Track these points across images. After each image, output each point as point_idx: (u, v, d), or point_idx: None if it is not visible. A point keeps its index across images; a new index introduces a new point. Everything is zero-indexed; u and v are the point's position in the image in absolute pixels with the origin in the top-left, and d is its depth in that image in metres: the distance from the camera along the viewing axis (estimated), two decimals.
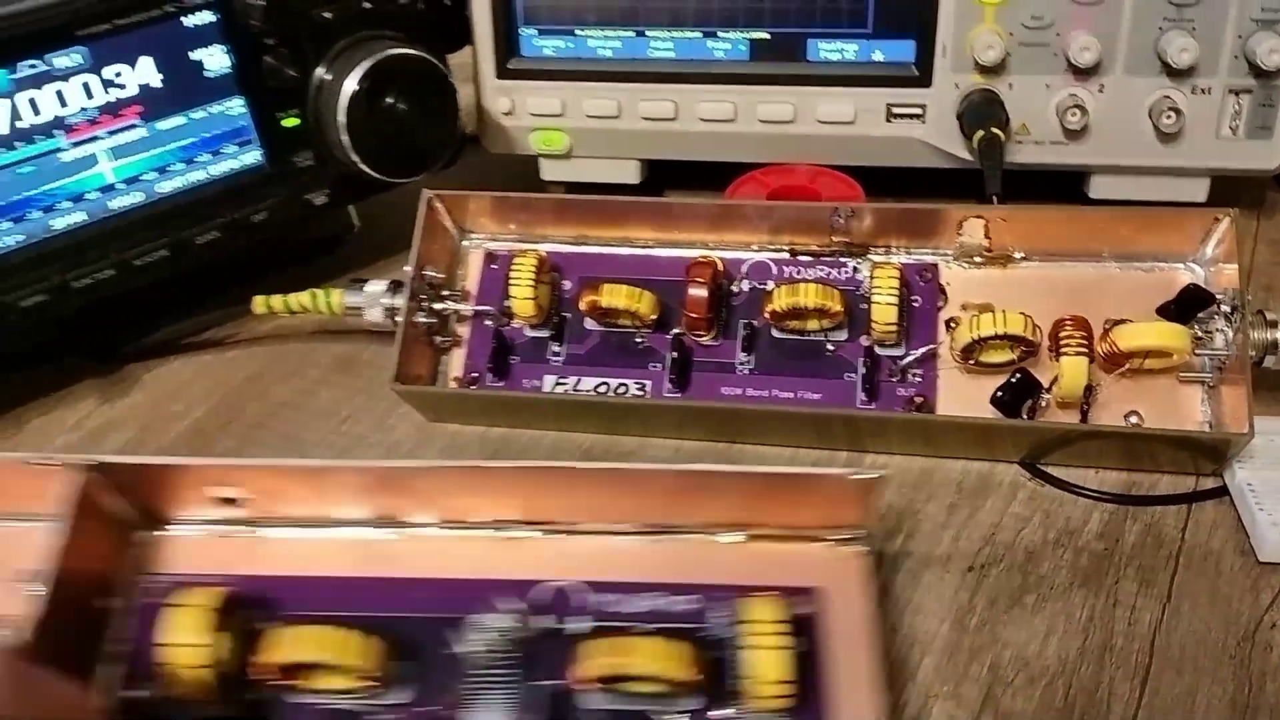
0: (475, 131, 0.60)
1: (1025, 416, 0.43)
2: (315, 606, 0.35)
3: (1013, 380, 0.42)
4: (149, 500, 0.37)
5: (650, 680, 0.32)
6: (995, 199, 0.48)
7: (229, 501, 0.37)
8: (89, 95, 0.46)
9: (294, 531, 0.38)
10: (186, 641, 0.32)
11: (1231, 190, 0.54)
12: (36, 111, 0.45)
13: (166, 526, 0.38)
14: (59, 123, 0.46)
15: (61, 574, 0.33)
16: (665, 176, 0.61)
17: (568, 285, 0.49)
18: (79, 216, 0.47)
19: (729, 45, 0.54)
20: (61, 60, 0.45)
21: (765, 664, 0.32)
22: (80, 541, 0.34)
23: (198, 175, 0.50)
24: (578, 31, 0.55)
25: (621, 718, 0.33)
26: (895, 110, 0.53)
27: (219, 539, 0.38)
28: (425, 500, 0.37)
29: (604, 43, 0.55)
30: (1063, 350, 0.42)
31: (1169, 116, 0.50)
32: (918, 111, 0.53)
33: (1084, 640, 0.38)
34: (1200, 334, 0.42)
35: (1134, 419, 0.43)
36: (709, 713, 0.33)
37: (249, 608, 0.34)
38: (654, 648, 0.32)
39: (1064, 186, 0.55)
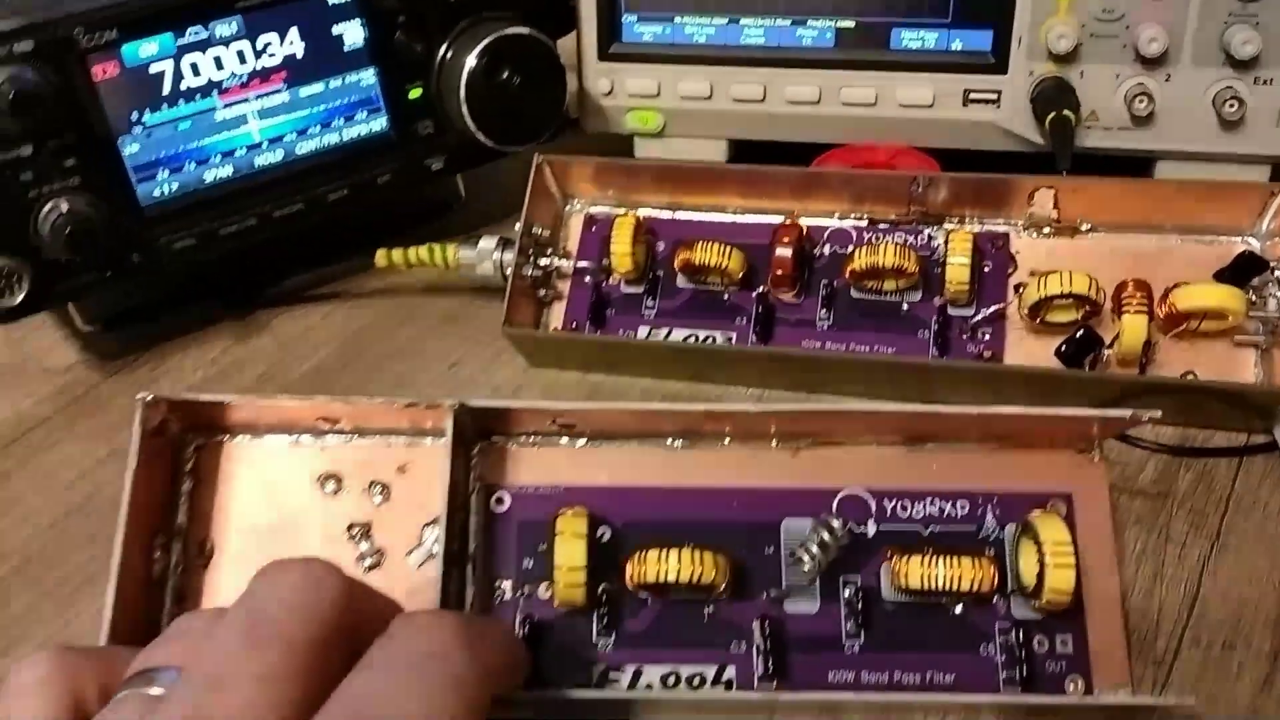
0: (576, 115, 0.65)
1: (1087, 370, 0.46)
2: (643, 515, 0.38)
3: (1076, 335, 0.46)
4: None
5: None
6: (1065, 173, 0.51)
7: (565, 427, 0.39)
8: (242, 61, 0.52)
9: (615, 446, 0.39)
10: (573, 564, 0.35)
11: None
12: (196, 74, 0.51)
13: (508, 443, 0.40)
14: (215, 85, 0.51)
15: (450, 493, 0.37)
16: (752, 157, 0.64)
17: (661, 247, 0.53)
18: (227, 170, 0.53)
19: (816, 32, 0.58)
20: (221, 28, 0.51)
21: (1059, 579, 0.35)
22: (454, 464, 0.38)
23: (332, 138, 0.55)
24: (675, 18, 0.60)
25: (920, 609, 0.36)
26: (972, 95, 0.57)
27: (553, 451, 0.40)
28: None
29: (699, 29, 0.60)
30: (1124, 309, 0.45)
31: (1232, 105, 0.53)
32: (993, 97, 0.56)
33: (1136, 570, 0.41)
34: (1254, 299, 0.45)
35: (1190, 378, 0.46)
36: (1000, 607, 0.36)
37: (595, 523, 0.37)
38: (955, 563, 0.35)
39: (1131, 172, 0.58)
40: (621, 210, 0.54)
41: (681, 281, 0.52)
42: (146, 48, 0.49)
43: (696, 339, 0.51)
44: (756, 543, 0.37)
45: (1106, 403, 0.46)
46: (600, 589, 0.36)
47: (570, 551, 0.35)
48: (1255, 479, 0.44)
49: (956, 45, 0.57)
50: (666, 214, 0.54)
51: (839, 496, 0.38)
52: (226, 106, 0.52)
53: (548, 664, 0.36)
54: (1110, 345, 0.46)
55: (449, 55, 0.55)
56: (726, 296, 0.52)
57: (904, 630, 0.36)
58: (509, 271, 0.52)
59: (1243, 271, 0.45)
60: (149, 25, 0.49)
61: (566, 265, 0.54)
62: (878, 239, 0.51)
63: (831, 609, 0.37)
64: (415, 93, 0.56)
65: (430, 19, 0.55)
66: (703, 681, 0.36)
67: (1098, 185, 0.48)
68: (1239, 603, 0.39)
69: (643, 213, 0.54)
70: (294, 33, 0.52)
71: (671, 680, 0.36)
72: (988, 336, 0.49)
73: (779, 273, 0.50)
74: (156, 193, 0.51)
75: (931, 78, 0.57)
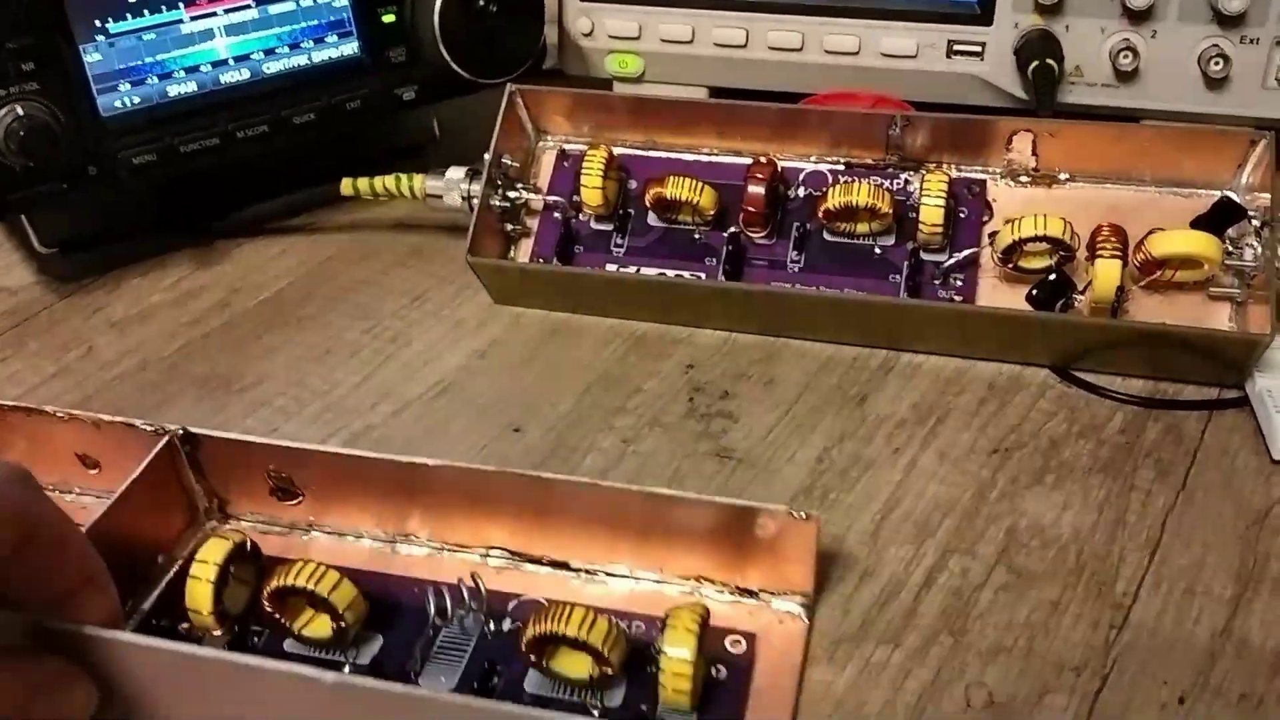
0: (555, 65, 0.64)
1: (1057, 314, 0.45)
2: None
3: (1048, 278, 0.45)
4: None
5: (579, 649, 0.33)
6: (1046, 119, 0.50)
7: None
8: None
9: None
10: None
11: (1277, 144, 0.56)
12: None
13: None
14: None
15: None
16: None
17: (634, 185, 0.52)
18: (191, 86, 0.52)
19: None
20: None
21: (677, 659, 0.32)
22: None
23: (300, 60, 0.54)
24: None
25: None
26: (956, 46, 0.56)
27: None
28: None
29: None
30: (1098, 253, 0.44)
31: (1217, 63, 0.52)
32: (977, 49, 0.56)
33: (1098, 515, 0.40)
34: (1231, 249, 0.44)
35: None
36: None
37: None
38: (588, 617, 0.33)
39: None
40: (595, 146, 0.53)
41: (653, 220, 0.51)
42: None
43: (666, 277, 0.50)
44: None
45: (1075, 353, 0.45)
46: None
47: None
48: (1224, 433, 0.43)
49: None
50: (641, 152, 0.53)
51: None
52: (193, 20, 0.51)
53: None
54: (1082, 291, 0.45)
55: None
56: (698, 236, 0.51)
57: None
58: (476, 202, 0.51)
59: (1220, 219, 0.44)
60: None
61: (536, 200, 0.53)
62: (853, 180, 0.50)
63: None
64: (388, 18, 0.55)
65: None
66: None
67: (1076, 129, 0.47)
68: (1201, 549, 0.38)
69: (618, 151, 0.52)
70: None
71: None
72: (960, 282, 0.48)
73: (750, 210, 0.49)
74: (118, 104, 0.50)
75: (916, 27, 0.56)
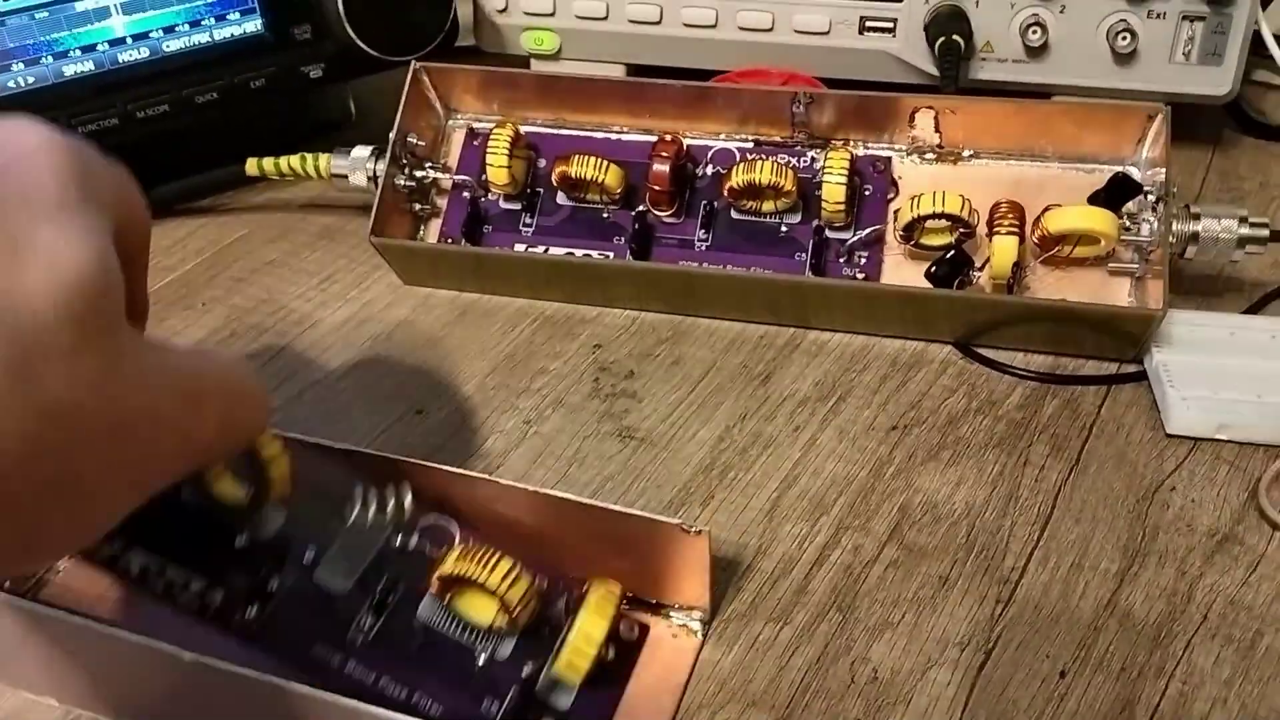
0: (471, 42, 0.63)
1: (955, 291, 0.45)
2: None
3: (946, 255, 0.45)
4: None
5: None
6: (950, 95, 0.50)
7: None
8: None
9: None
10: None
11: (1189, 124, 0.57)
12: None
13: None
14: None
15: None
16: None
17: (543, 164, 0.52)
18: (88, 65, 0.51)
19: None
20: None
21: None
22: None
23: (201, 37, 0.53)
24: None
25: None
26: (868, 23, 0.56)
27: None
28: None
29: None
30: (995, 230, 0.44)
31: (1124, 38, 0.52)
32: (889, 25, 0.55)
33: (991, 491, 0.40)
34: (1128, 225, 0.44)
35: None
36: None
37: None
38: (512, 572, 0.32)
39: None
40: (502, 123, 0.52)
41: (561, 199, 0.51)
42: None
43: (574, 257, 0.50)
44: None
45: (977, 330, 0.46)
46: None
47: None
48: (1121, 407, 0.44)
49: None
50: (550, 130, 0.52)
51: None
52: None
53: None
54: (981, 268, 0.45)
55: None
56: (606, 215, 0.50)
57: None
58: (381, 182, 0.50)
59: (1116, 194, 0.44)
60: None
61: (445, 179, 0.52)
62: (758, 158, 0.49)
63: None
64: None
65: None
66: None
67: (976, 105, 0.47)
68: (1091, 524, 0.39)
69: (527, 129, 0.52)
70: None
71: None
72: (864, 260, 0.48)
73: (656, 188, 0.48)
74: (11, 84, 0.49)
75: (828, 4, 0.56)
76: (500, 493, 0.36)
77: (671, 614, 0.36)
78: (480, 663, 0.33)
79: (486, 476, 0.36)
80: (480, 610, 0.33)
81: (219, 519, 0.34)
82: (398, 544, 0.35)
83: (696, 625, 0.36)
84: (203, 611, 0.33)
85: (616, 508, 0.35)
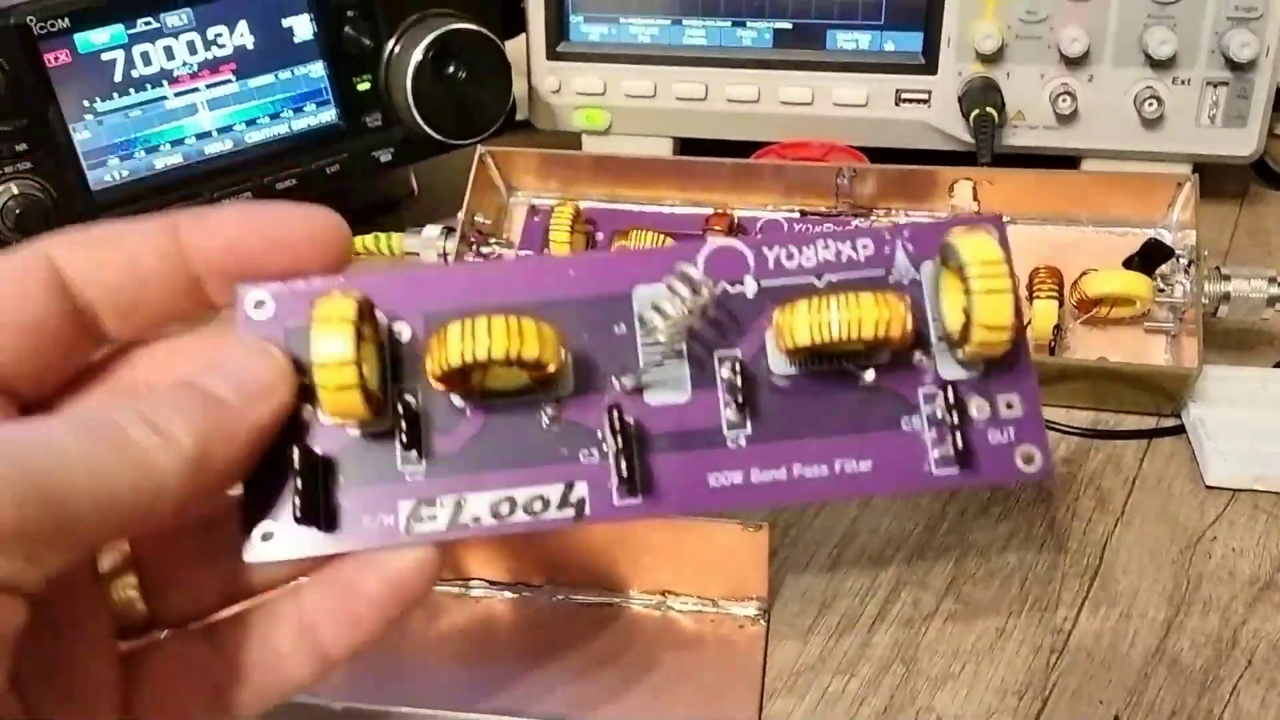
0: (526, 116, 0.66)
1: None
2: (450, 302, 0.27)
3: None
4: None
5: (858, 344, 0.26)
6: (985, 166, 0.53)
7: None
8: (192, 52, 0.53)
9: None
10: (338, 359, 0.25)
11: (1217, 180, 0.59)
12: (148, 63, 0.52)
13: None
14: (166, 74, 0.53)
15: None
16: (695, 154, 0.66)
17: (600, 237, 0.55)
18: (177, 158, 0.54)
19: (755, 34, 0.60)
20: (171, 19, 0.52)
21: (991, 309, 0.25)
22: None
23: (281, 129, 0.56)
24: (621, 19, 0.62)
25: (820, 381, 0.27)
26: (904, 95, 0.59)
27: None
28: None
29: (643, 29, 0.61)
30: (1035, 294, 0.47)
31: (1151, 105, 0.55)
32: (924, 96, 0.58)
33: (1041, 545, 0.43)
34: (1163, 286, 0.47)
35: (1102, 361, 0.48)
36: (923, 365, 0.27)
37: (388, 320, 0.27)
38: (852, 303, 0.25)
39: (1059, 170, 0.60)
40: (562, 202, 0.55)
41: None
42: (98, 36, 0.51)
43: None
44: (602, 320, 0.27)
45: None
46: (401, 399, 0.26)
47: (331, 341, 0.25)
48: (1162, 461, 0.46)
49: (889, 46, 0.59)
50: (606, 205, 0.56)
51: (705, 251, 0.27)
52: (177, 95, 0.53)
53: (346, 505, 0.26)
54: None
55: (397, 49, 0.57)
56: None
57: (802, 411, 0.27)
58: (450, 259, 0.54)
59: (1150, 258, 0.46)
60: (101, 15, 0.51)
61: (509, 254, 0.55)
62: (805, 229, 0.52)
63: (707, 395, 0.27)
64: (364, 85, 0.57)
65: (379, 13, 0.56)
66: (545, 505, 0.26)
67: (1013, 176, 0.50)
68: (1138, 574, 0.41)
69: (584, 204, 0.55)
70: (243, 25, 0.54)
71: (505, 508, 0.26)
72: None
73: None
74: (107, 178, 0.53)
75: (865, 78, 0.59)
76: None
77: (732, 608, 0.40)
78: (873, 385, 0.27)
79: None
80: (836, 322, 0.26)
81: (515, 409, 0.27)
82: (684, 292, 0.27)
83: (755, 613, 0.40)
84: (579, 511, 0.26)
85: (680, 520, 0.38)
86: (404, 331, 0.27)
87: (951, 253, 0.26)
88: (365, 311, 0.26)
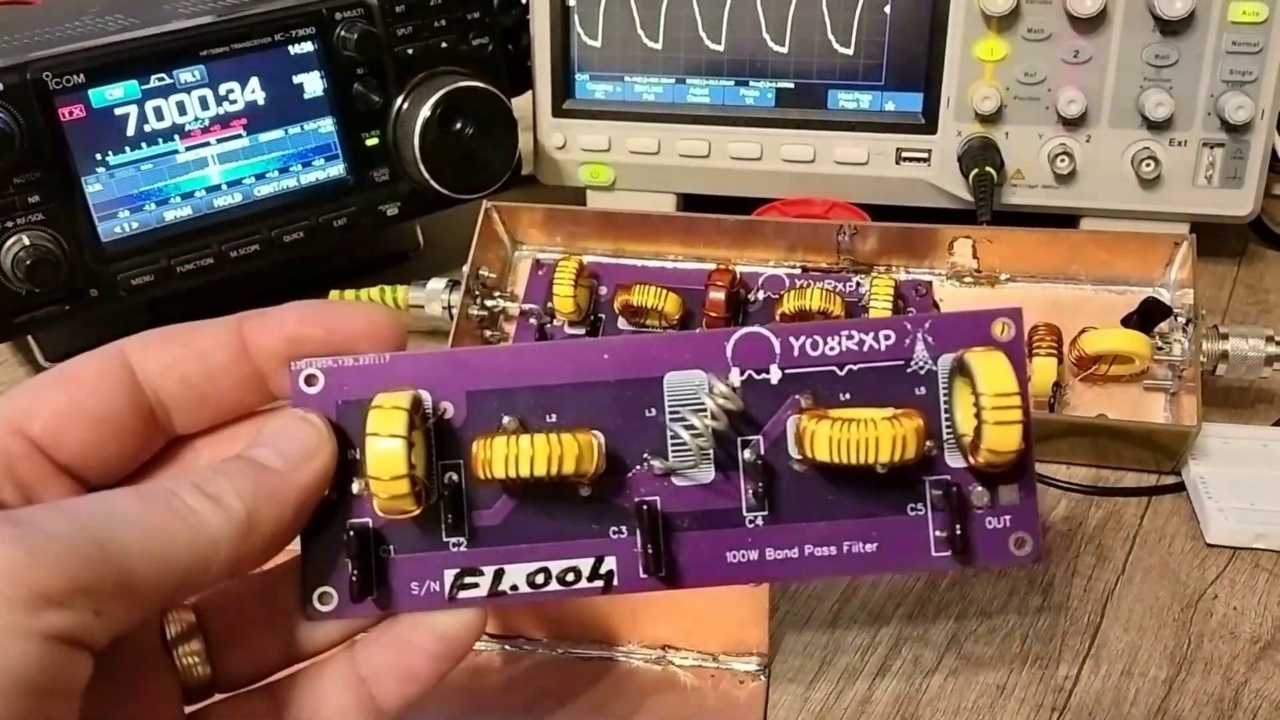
0: (531, 171, 0.67)
1: None
2: (492, 383, 0.29)
3: None
4: None
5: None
6: (984, 224, 0.54)
7: None
8: (204, 107, 0.54)
9: None
10: (392, 471, 0.27)
11: (1215, 239, 0.60)
12: (160, 118, 0.53)
13: None
14: (177, 129, 0.54)
15: None
16: (698, 210, 0.67)
17: (604, 291, 0.55)
18: (187, 211, 0.55)
19: (758, 93, 0.61)
20: (185, 75, 0.53)
21: (999, 438, 0.27)
22: None
23: (290, 182, 0.57)
24: (626, 78, 0.63)
25: (836, 470, 0.29)
26: (904, 154, 0.60)
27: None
28: None
29: (648, 88, 0.63)
30: (1034, 352, 0.47)
31: (1149, 165, 0.56)
32: (924, 155, 0.59)
33: (1043, 600, 0.42)
34: (1160, 344, 0.47)
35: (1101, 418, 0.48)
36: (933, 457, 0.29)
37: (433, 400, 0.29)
38: (869, 428, 0.27)
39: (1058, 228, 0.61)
40: (567, 256, 0.56)
41: (622, 324, 0.54)
42: (112, 92, 0.52)
43: None
44: (634, 404, 0.29)
45: None
46: (445, 478, 0.29)
47: (385, 453, 0.27)
48: (1162, 518, 0.46)
49: (890, 106, 0.60)
50: (610, 260, 0.56)
51: (734, 338, 0.29)
52: (188, 150, 0.54)
53: (397, 572, 0.29)
54: None
55: (405, 106, 0.58)
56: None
57: (816, 495, 0.29)
58: (455, 311, 0.54)
59: (1148, 317, 0.47)
60: (115, 71, 0.52)
61: (512, 307, 0.56)
62: (807, 285, 0.53)
63: (728, 479, 0.29)
64: (372, 141, 0.58)
65: (388, 71, 0.57)
66: (577, 576, 0.29)
67: (1011, 234, 0.50)
68: (1139, 632, 0.41)
69: (587, 259, 0.56)
70: (255, 81, 0.55)
71: (541, 579, 0.29)
72: None
73: (712, 315, 0.52)
74: (117, 230, 0.53)
75: (866, 137, 0.60)
76: None
77: (733, 663, 0.39)
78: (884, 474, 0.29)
79: None
80: (854, 444, 0.28)
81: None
82: (713, 406, 0.29)
83: (755, 668, 0.39)
84: (608, 583, 0.29)
85: None
86: (449, 410, 0.29)
87: (966, 370, 0.28)
88: (415, 406, 0.28)
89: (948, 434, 0.29)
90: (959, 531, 0.29)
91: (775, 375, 0.29)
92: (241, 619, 0.28)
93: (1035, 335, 0.48)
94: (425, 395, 0.28)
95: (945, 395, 0.29)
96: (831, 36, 0.59)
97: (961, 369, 0.28)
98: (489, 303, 0.55)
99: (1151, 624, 0.41)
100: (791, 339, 0.29)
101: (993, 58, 0.57)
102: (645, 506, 0.29)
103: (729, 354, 0.29)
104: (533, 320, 0.55)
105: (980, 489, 0.29)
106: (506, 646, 0.41)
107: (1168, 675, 0.39)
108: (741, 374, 0.29)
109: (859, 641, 0.41)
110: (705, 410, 0.29)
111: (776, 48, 0.60)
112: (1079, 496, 0.47)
